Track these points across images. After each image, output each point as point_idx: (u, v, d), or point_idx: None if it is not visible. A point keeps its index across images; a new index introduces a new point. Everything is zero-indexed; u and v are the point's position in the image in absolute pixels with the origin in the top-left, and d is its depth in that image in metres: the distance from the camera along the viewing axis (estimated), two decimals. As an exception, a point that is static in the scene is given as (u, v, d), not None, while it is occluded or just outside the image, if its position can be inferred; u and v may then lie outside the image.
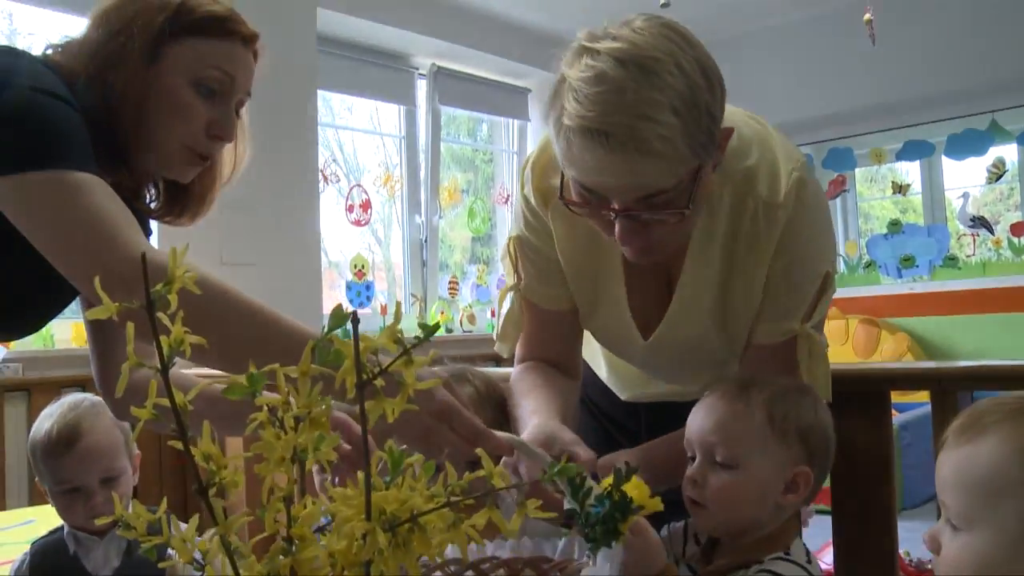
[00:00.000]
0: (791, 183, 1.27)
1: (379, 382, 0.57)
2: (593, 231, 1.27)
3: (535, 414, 1.32)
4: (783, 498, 1.21)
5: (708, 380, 1.37)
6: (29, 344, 3.49)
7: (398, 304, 0.59)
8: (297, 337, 1.04)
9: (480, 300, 5.40)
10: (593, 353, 1.66)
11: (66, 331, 3.59)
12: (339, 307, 0.60)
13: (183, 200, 1.44)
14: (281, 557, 0.65)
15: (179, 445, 0.66)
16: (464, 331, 5.05)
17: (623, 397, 1.66)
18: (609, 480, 1.07)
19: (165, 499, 0.76)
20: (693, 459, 1.24)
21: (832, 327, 5.58)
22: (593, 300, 1.44)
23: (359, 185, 5.14)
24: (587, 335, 1.55)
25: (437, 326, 0.70)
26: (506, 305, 1.49)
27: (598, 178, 1.15)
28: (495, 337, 1.56)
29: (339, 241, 5.11)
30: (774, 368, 1.33)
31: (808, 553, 1.22)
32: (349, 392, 0.58)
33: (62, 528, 1.81)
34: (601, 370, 1.67)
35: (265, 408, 0.61)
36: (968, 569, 0.93)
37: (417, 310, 5.00)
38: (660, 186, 1.14)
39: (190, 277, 0.63)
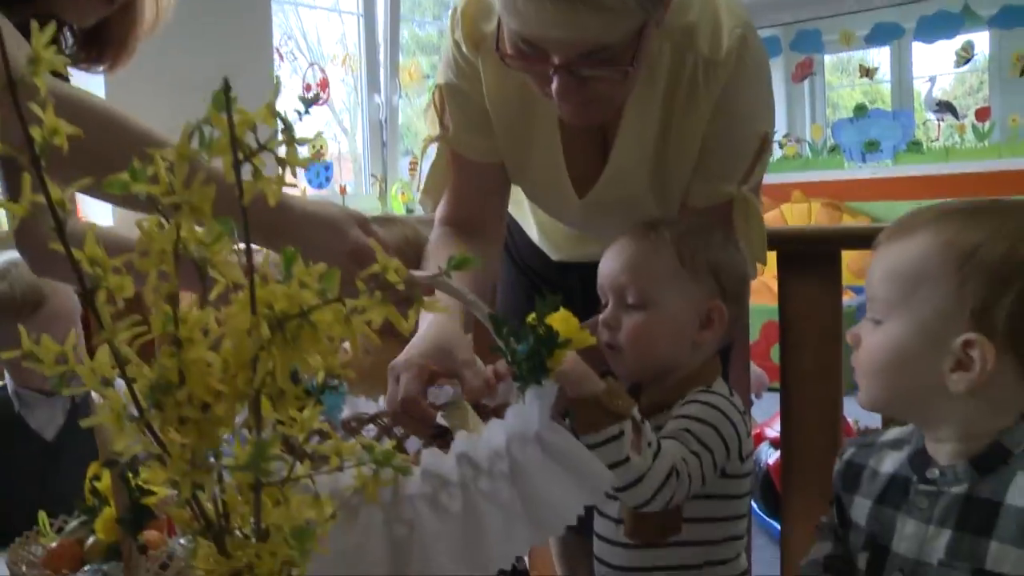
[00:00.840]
0: (733, 41, 1.22)
1: (258, 161, 0.52)
2: (526, 84, 1.22)
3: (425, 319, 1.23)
4: (699, 335, 1.19)
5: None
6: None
7: (278, 80, 0.54)
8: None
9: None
10: (522, 213, 1.63)
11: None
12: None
13: (99, 45, 1.36)
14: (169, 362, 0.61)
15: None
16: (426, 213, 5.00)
17: (554, 258, 1.63)
18: (533, 316, 1.04)
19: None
20: (606, 305, 1.22)
21: (795, 210, 5.58)
22: (524, 155, 1.38)
23: (316, 64, 5.00)
24: (517, 194, 1.51)
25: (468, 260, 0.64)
26: (429, 158, 1.42)
27: (540, 31, 1.10)
28: (417, 191, 1.48)
29: (296, 121, 4.99)
30: None
31: (731, 390, 1.21)
32: (227, 174, 0.53)
33: (4, 388, 1.78)
34: (531, 230, 1.65)
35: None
36: (881, 355, 0.94)
37: (377, 190, 4.93)
38: (604, 41, 1.10)
39: (58, 61, 0.57)
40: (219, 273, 0.64)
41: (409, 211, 4.98)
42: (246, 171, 0.53)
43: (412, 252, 1.53)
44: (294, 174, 0.53)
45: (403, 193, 4.98)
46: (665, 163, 1.31)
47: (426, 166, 1.44)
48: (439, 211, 1.43)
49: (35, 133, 0.60)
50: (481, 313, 1.04)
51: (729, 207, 1.31)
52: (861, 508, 0.97)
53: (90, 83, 2.88)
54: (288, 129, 0.51)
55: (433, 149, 1.41)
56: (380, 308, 0.58)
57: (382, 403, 1.27)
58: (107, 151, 0.84)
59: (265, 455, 0.57)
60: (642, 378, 1.23)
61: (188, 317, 0.63)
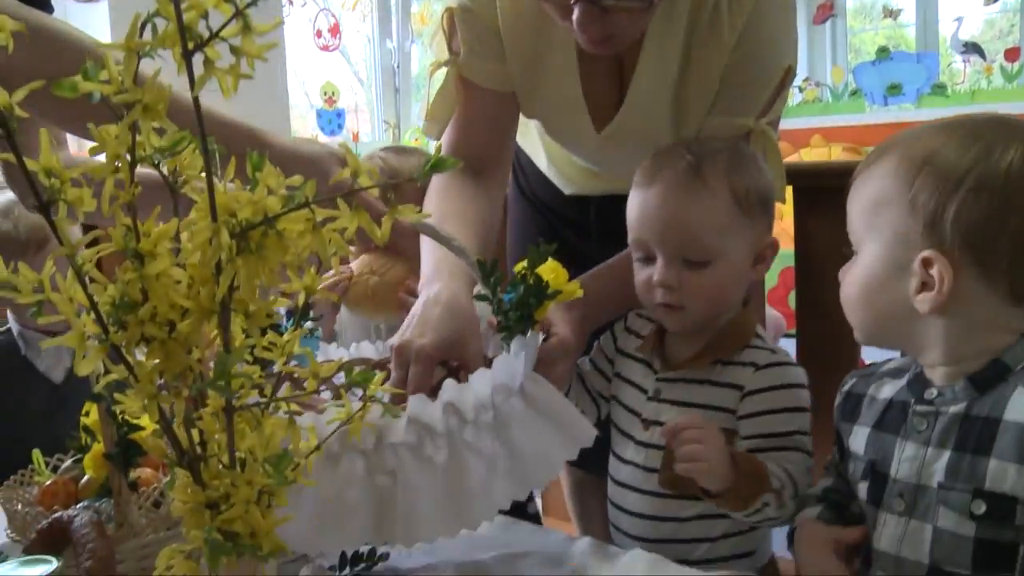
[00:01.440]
0: None
1: (211, 51, 0.48)
2: (543, 10, 1.17)
3: (438, 274, 1.16)
4: (752, 272, 1.14)
5: None
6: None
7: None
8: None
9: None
10: (532, 144, 1.56)
11: None
12: None
13: None
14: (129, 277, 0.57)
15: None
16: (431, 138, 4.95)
17: (566, 192, 1.58)
18: (522, 264, 0.99)
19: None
20: (645, 260, 1.15)
21: (814, 155, 5.48)
22: (538, 84, 1.31)
23: (326, 9, 4.92)
24: (525, 124, 1.44)
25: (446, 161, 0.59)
26: (436, 84, 1.34)
27: None
28: (422, 116, 1.40)
29: (308, 67, 4.93)
30: None
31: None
32: (178, 67, 0.49)
33: (9, 330, 1.76)
34: (541, 162, 1.58)
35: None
36: (855, 287, 0.92)
37: (391, 137, 4.88)
38: None
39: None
40: (184, 184, 0.61)
41: (422, 159, 4.93)
42: (198, 63, 0.48)
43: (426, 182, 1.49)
44: (250, 65, 0.48)
45: (416, 140, 4.93)
46: (685, 95, 1.26)
47: (432, 93, 1.35)
48: (444, 144, 1.36)
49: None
50: (468, 261, 0.99)
51: (746, 141, 1.24)
52: (860, 436, 0.94)
53: (92, 17, 2.83)
54: (242, 16, 0.46)
55: (441, 75, 1.33)
56: (352, 216, 0.54)
57: (380, 347, 1.24)
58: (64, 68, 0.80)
59: (229, 371, 0.53)
60: (696, 328, 1.16)
61: (150, 230, 0.59)
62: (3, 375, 1.73)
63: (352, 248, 1.62)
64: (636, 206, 1.15)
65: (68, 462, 1.19)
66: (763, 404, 1.08)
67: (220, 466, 0.65)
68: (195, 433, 0.66)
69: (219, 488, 0.64)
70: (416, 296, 1.37)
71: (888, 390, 0.94)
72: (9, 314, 1.76)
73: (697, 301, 1.11)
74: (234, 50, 0.48)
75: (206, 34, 0.47)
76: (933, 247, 0.84)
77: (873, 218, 0.90)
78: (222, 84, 0.48)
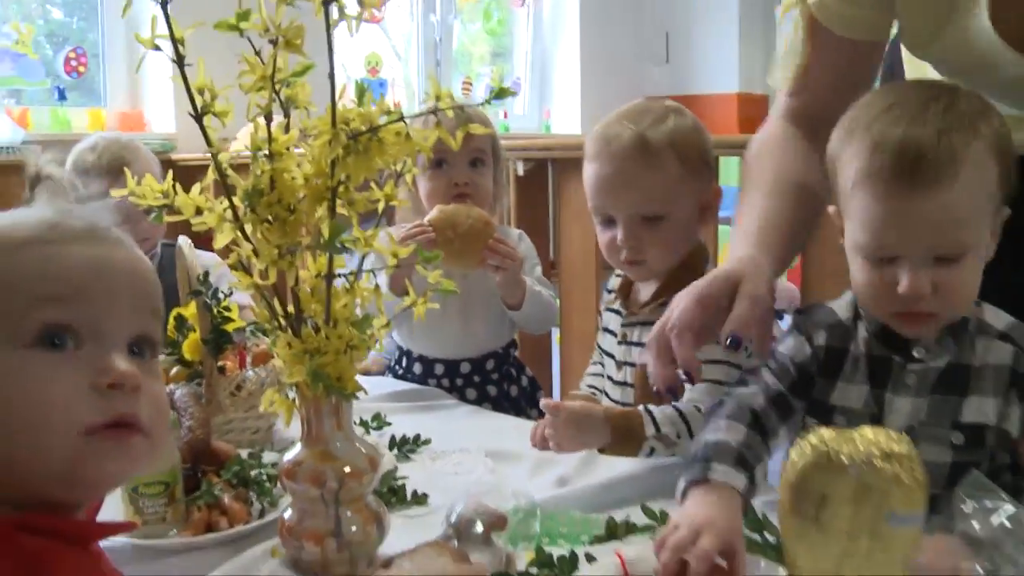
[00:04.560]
0: None
1: (340, 3, 0.67)
2: None
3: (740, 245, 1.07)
4: (699, 223, 1.31)
5: None
6: (47, 128, 3.63)
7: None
8: None
9: (493, 102, 5.43)
10: None
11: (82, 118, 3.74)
12: None
13: None
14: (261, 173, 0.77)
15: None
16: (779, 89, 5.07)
17: None
18: None
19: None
20: (606, 223, 1.29)
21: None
22: (939, 18, 1.05)
23: (374, -19, 5.09)
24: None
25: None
26: (786, 28, 1.17)
27: None
28: (771, 68, 1.22)
29: (352, 39, 5.11)
30: None
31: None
32: (316, 11, 0.68)
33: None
34: None
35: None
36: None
37: (429, 109, 5.04)
38: None
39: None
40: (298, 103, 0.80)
41: (460, 130, 5.09)
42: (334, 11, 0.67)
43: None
44: (371, 10, 0.68)
45: (456, 112, 5.09)
46: None
47: (782, 39, 1.19)
48: (780, 100, 1.22)
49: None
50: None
51: None
52: (853, 394, 0.98)
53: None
54: (366, -23, 0.66)
55: (789, 19, 1.16)
56: (434, 131, 0.74)
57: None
58: None
59: (335, 236, 0.72)
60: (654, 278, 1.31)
61: (278, 136, 0.78)
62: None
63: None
64: (592, 177, 1.29)
65: (161, 356, 1.39)
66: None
67: (313, 327, 0.85)
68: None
69: (314, 342, 0.83)
70: (503, 246, 1.52)
71: (862, 346, 0.98)
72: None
73: (656, 256, 1.27)
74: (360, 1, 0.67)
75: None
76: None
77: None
78: (349, 25, 0.67)
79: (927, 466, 0.84)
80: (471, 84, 5.37)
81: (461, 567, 0.71)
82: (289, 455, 0.88)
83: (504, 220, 1.92)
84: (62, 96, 3.78)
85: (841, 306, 1.01)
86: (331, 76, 0.72)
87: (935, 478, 0.85)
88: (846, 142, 0.93)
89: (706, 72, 5.46)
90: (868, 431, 0.55)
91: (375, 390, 1.53)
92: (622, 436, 1.13)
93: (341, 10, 0.68)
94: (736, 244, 1.07)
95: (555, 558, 0.78)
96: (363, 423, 1.32)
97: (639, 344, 1.29)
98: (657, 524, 0.86)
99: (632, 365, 1.28)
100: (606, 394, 1.35)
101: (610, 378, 1.35)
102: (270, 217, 0.79)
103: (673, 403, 1.16)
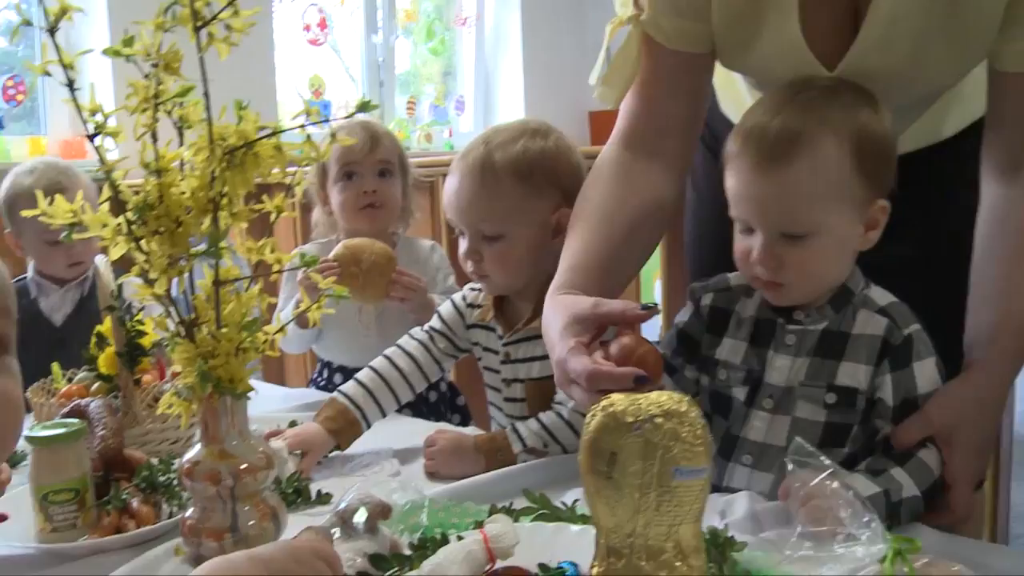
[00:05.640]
0: None
1: (212, 28, 0.72)
2: None
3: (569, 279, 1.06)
4: (554, 243, 1.24)
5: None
6: None
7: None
8: None
9: (438, 120, 5.50)
10: (737, 100, 1.33)
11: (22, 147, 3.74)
12: None
13: None
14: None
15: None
16: (421, 149, 5.17)
17: None
18: None
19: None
20: (459, 236, 1.34)
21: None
22: (750, 32, 1.09)
23: (315, 4, 5.15)
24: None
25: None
26: (615, 45, 1.17)
27: None
28: (596, 81, 1.21)
29: (296, 60, 5.15)
30: None
31: None
32: (190, 36, 0.73)
33: (24, 277, 2.00)
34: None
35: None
36: None
37: (373, 129, 5.09)
38: None
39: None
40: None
41: (406, 148, 5.15)
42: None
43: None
44: (237, 35, 0.73)
45: (400, 131, 5.16)
46: (953, 20, 1.01)
47: (608, 55, 1.20)
48: (622, 113, 1.20)
49: None
50: None
51: None
52: (734, 348, 1.10)
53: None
54: (232, 4, 0.71)
55: (622, 36, 1.16)
56: (307, 144, 0.79)
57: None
58: None
59: (219, 244, 0.77)
60: (511, 292, 1.36)
61: (165, 153, 0.83)
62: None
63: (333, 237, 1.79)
64: (445, 190, 1.35)
65: (81, 374, 1.43)
66: None
67: (207, 331, 0.89)
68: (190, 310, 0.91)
69: (208, 345, 0.88)
70: (406, 277, 1.59)
71: (751, 307, 1.10)
72: (29, 263, 1.99)
73: (496, 272, 1.32)
74: (228, 26, 0.73)
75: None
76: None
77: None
78: (219, 49, 0.73)
79: (804, 424, 1.03)
80: (415, 104, 5.43)
81: (304, 545, 0.76)
82: (188, 455, 0.93)
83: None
84: (0, 125, 3.78)
85: (737, 275, 1.12)
86: (205, 95, 0.77)
87: (811, 436, 0.99)
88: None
89: (646, 87, 5.55)
90: (654, 394, 0.61)
91: (296, 400, 1.59)
92: (494, 458, 1.21)
93: (211, 35, 0.73)
94: (558, 278, 1.07)
95: (428, 540, 0.83)
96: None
97: (526, 360, 1.34)
98: (537, 507, 0.92)
99: (520, 381, 1.34)
100: (501, 410, 1.40)
101: (499, 391, 1.39)
102: (160, 229, 0.84)
103: (537, 415, 1.24)
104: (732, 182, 1.02)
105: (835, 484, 0.79)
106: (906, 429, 1.01)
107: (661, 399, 0.60)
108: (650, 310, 0.91)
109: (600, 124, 5.85)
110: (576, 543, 0.82)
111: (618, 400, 0.61)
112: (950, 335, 1.07)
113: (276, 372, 2.95)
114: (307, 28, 5.10)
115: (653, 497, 0.58)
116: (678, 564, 0.59)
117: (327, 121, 0.80)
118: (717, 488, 1.07)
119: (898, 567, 0.74)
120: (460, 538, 0.80)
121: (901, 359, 1.01)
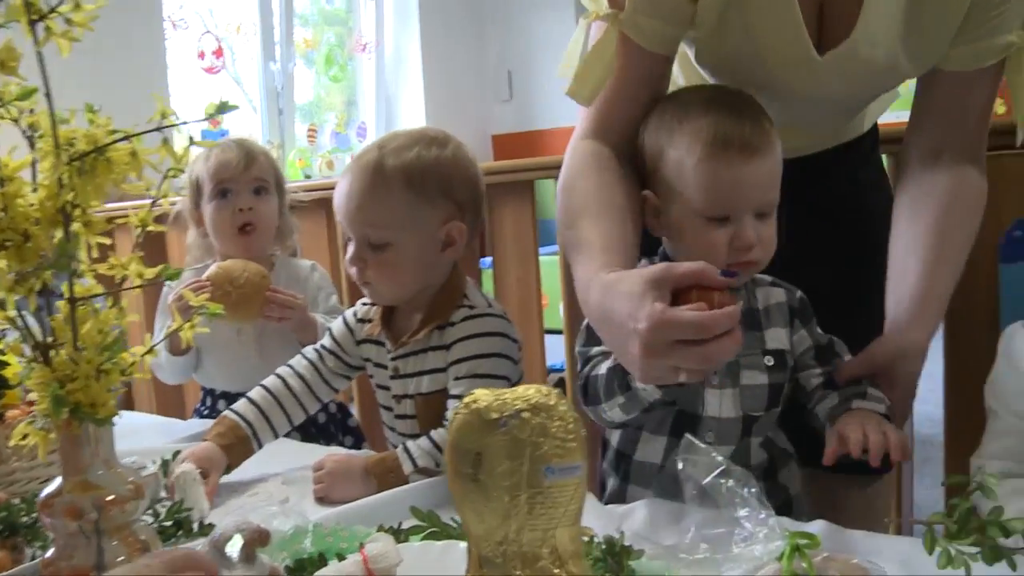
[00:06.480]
0: None
1: (51, 23, 0.67)
2: None
3: (604, 253, 1.04)
4: (442, 257, 1.28)
5: (839, 128, 1.33)
6: None
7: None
8: None
9: (340, 147, 5.43)
10: None
11: None
12: None
13: None
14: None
15: None
16: (323, 177, 5.10)
17: None
18: None
19: None
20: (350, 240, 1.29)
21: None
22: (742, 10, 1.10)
23: (210, 32, 5.05)
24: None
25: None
26: (591, 39, 1.15)
27: None
28: (565, 75, 1.19)
29: (192, 88, 5.04)
30: (977, 101, 1.14)
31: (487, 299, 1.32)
32: (25, 32, 0.68)
33: None
34: None
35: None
36: None
37: (275, 156, 5.01)
38: None
39: None
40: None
41: (307, 176, 5.08)
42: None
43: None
44: (81, 31, 0.68)
45: (300, 159, 5.08)
46: (918, 20, 1.08)
47: (578, 51, 1.17)
48: (593, 113, 1.19)
49: None
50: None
51: (998, 67, 1.10)
52: None
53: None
54: (75, -5, 0.66)
55: (595, 31, 1.15)
56: (163, 148, 0.74)
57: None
58: None
59: (69, 256, 0.72)
60: (397, 303, 1.32)
61: (8, 162, 0.77)
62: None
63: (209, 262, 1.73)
64: (335, 192, 1.28)
65: (-54, 411, 1.33)
66: (464, 351, 1.24)
67: (65, 353, 0.83)
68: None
69: (66, 369, 0.82)
70: (280, 296, 1.54)
71: None
72: None
73: (380, 281, 1.27)
74: (68, 20, 0.67)
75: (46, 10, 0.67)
76: None
77: None
78: (60, 45, 0.68)
79: (750, 390, 1.10)
80: (316, 131, 5.36)
81: (179, 554, 0.71)
82: (47, 490, 0.86)
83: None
84: None
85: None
86: (47, 95, 0.71)
87: (758, 400, 1.11)
88: (676, 132, 1.07)
89: (549, 108, 5.61)
90: (520, 388, 0.58)
91: (180, 433, 1.52)
92: (385, 480, 1.16)
93: (49, 29, 0.68)
94: (594, 261, 1.03)
95: (306, 562, 0.79)
96: (164, 463, 1.29)
97: (415, 375, 1.29)
98: (427, 525, 0.88)
99: (411, 397, 1.30)
100: (394, 429, 1.35)
101: (391, 409, 1.34)
102: (6, 243, 0.78)
103: (428, 433, 1.20)
104: (710, 179, 1.04)
105: (730, 482, 0.78)
106: (849, 365, 1.11)
107: (528, 392, 0.56)
108: (732, 277, 0.95)
109: (504, 147, 5.87)
110: (466, 561, 0.78)
111: (481, 396, 0.57)
112: (859, 320, 1.19)
113: (176, 407, 2.84)
114: (201, 55, 5.00)
115: (524, 499, 0.54)
116: (556, 571, 0.56)
117: (185, 123, 0.75)
118: None
119: (796, 563, 0.73)
120: (341, 557, 0.75)
121: (806, 316, 1.16)
